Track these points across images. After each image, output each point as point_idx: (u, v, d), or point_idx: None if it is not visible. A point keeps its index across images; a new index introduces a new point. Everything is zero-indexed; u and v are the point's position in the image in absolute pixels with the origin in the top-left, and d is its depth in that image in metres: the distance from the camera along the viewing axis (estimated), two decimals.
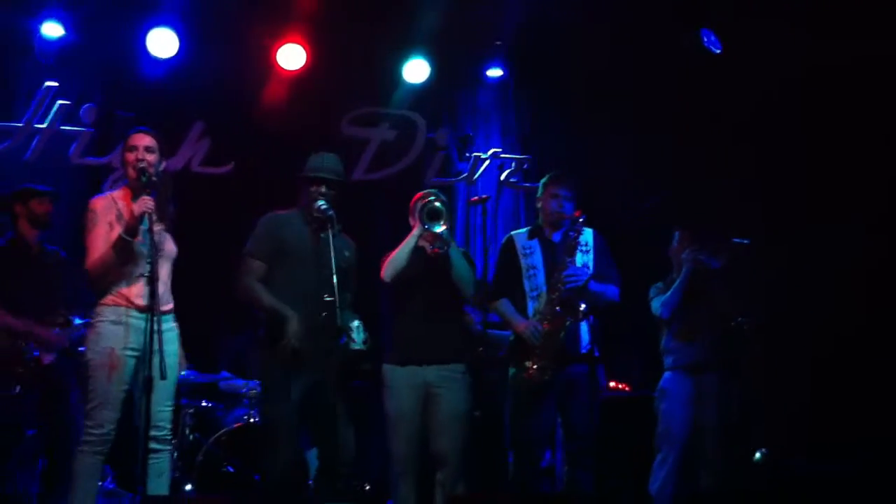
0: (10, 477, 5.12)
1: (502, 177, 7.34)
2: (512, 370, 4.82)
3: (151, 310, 4.00)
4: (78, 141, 6.54)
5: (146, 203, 4.10)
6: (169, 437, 4.29)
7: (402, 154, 7.17)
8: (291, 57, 6.70)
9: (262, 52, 6.71)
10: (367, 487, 5.53)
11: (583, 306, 4.65)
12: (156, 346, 3.96)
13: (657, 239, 5.61)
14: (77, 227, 4.44)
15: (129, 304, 4.20)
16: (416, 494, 4.71)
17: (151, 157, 4.28)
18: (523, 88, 7.41)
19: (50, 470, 5.14)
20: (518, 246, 4.92)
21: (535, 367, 4.66)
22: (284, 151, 5.84)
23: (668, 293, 5.27)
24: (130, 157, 4.28)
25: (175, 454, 5.36)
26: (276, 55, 6.68)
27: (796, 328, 6.01)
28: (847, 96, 6.13)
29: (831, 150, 6.25)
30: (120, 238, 4.11)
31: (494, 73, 7.22)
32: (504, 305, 4.85)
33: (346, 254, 4.57)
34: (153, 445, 4.15)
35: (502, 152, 7.36)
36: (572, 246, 4.75)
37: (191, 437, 5.68)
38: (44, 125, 6.46)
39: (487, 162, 7.33)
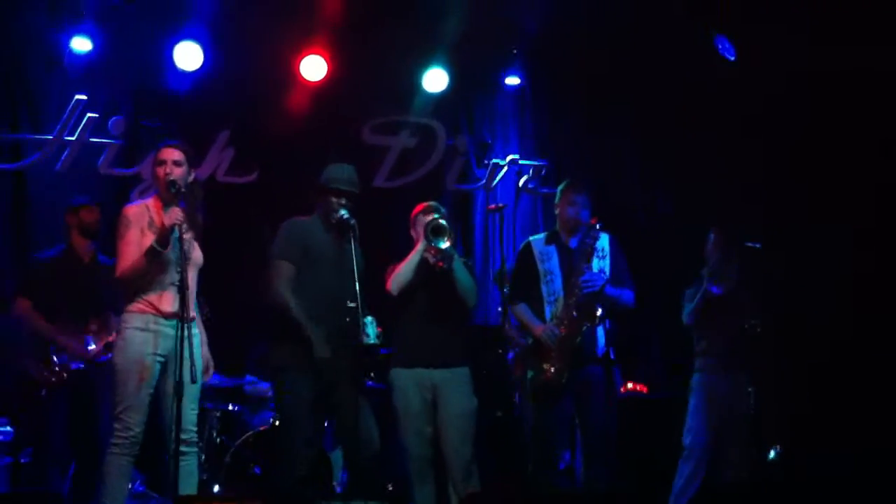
0: (43, 477, 5.25)
1: (520, 183, 7.45)
2: (530, 373, 4.93)
3: (181, 317, 4.13)
4: (106, 152, 6.70)
5: (176, 214, 4.23)
6: (195, 440, 4.40)
7: (422, 161, 7.28)
8: (313, 68, 6.85)
9: (284, 63, 6.86)
10: (391, 487, 5.63)
11: (599, 311, 4.75)
12: (186, 353, 4.10)
13: (674, 241, 5.68)
14: (106, 234, 4.57)
15: (157, 311, 4.31)
16: (434, 493, 4.85)
17: (180, 171, 4.39)
18: (540, 94, 7.51)
19: (80, 471, 5.30)
20: (536, 251, 5.03)
21: (552, 369, 4.77)
22: (307, 160, 5.96)
23: (692, 305, 5.46)
24: (160, 171, 4.41)
25: (202, 457, 5.51)
26: (298, 66, 6.84)
27: (797, 329, 6.06)
28: (850, 101, 6.16)
29: (834, 155, 6.29)
30: (151, 248, 4.24)
31: (512, 80, 7.35)
32: (522, 310, 4.97)
33: (362, 260, 4.68)
34: (182, 448, 4.24)
35: (520, 158, 7.46)
36: (589, 252, 4.86)
37: (217, 439, 5.80)
38: (73, 137, 6.61)
39: (505, 168, 7.43)
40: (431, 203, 5.06)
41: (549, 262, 4.99)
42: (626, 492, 4.94)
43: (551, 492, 4.75)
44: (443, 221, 4.76)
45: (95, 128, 6.67)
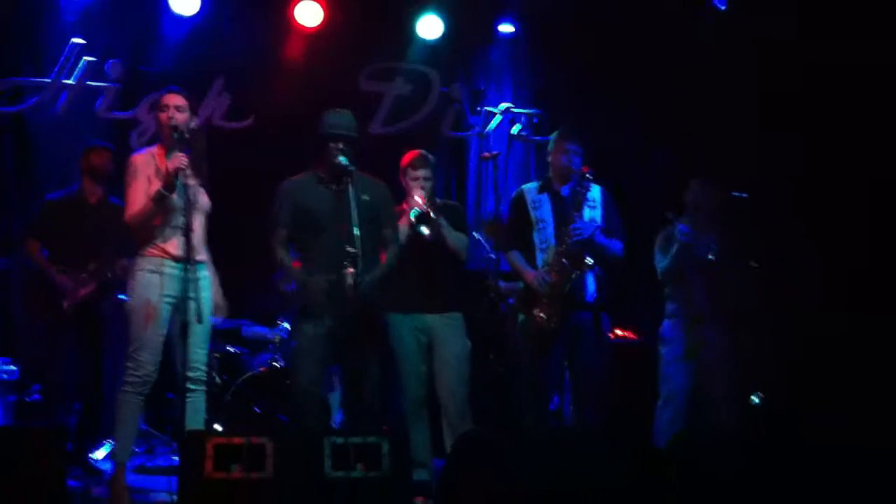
0: (49, 414, 5.40)
1: (513, 131, 7.53)
2: (521, 317, 5.07)
3: (187, 259, 4.28)
4: (104, 96, 6.75)
5: (180, 159, 4.33)
6: (204, 379, 4.54)
7: (416, 108, 7.35)
8: (309, 14, 6.89)
9: (280, 9, 6.88)
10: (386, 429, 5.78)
11: (589, 259, 4.87)
12: (191, 294, 4.25)
13: (666, 194, 5.73)
14: (115, 177, 4.67)
15: (165, 254, 4.43)
16: (429, 432, 5.05)
17: (182, 116, 4.47)
18: (535, 44, 7.53)
19: (85, 408, 5.46)
20: (528, 200, 5.12)
21: (542, 314, 4.91)
22: (303, 105, 6.02)
23: (670, 263, 5.23)
24: (163, 116, 4.49)
25: None
26: (294, 12, 6.87)
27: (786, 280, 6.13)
28: (847, 96, 6.18)
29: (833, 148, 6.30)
30: (158, 192, 4.35)
31: (506, 28, 7.40)
32: (515, 257, 5.09)
33: (366, 197, 4.58)
34: (189, 385, 4.44)
35: (514, 107, 7.52)
36: (580, 200, 4.96)
37: (217, 379, 5.92)
38: (71, 81, 6.64)
39: (499, 116, 7.49)
40: (420, 154, 5.14)
41: (541, 209, 5.07)
42: (615, 431, 5.07)
43: (543, 430, 4.92)
44: (424, 210, 4.83)
45: (93, 71, 6.70)
